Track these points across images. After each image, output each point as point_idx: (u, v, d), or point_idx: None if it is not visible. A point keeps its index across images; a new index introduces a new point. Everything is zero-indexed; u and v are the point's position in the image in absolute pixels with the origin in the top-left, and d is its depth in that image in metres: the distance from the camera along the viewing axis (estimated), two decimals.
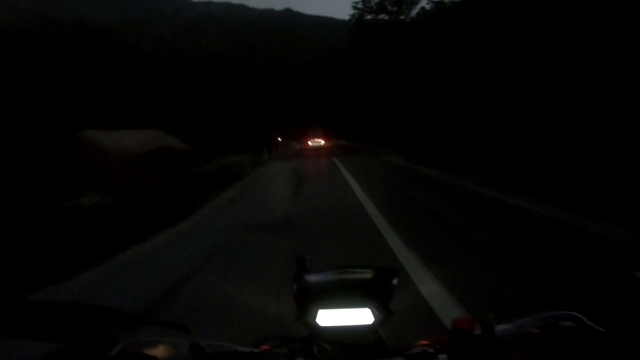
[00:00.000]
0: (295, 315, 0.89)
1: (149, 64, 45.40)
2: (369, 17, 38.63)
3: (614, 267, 3.40)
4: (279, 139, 43.94)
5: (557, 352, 0.78)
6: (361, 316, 0.86)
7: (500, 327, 0.85)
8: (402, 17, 35.03)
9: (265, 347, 0.90)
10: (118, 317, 0.76)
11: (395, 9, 35.72)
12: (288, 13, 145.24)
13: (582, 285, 3.31)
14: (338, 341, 0.86)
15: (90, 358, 0.80)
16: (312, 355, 0.85)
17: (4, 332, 0.71)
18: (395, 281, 0.91)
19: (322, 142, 41.08)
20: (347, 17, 41.67)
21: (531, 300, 3.07)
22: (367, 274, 0.91)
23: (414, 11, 35.47)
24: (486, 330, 0.82)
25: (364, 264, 0.94)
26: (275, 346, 0.89)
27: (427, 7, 33.39)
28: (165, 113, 34.23)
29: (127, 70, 36.63)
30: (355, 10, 39.21)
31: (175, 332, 0.83)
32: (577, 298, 2.99)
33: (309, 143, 41.42)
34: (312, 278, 0.92)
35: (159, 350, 0.86)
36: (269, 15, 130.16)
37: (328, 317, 0.86)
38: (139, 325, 0.87)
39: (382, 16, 37.32)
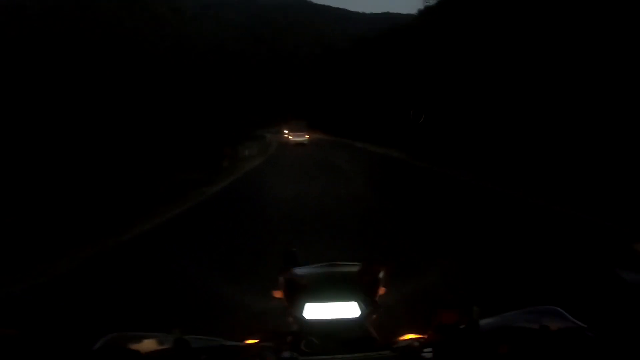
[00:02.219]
0: (283, 309, 0.94)
1: (148, 49, 43.71)
2: None
3: (601, 265, 3.65)
4: (285, 132, 38.65)
5: (540, 346, 0.81)
6: (348, 310, 0.90)
7: (484, 321, 0.88)
8: None
9: (252, 341, 0.91)
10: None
11: None
12: (301, 4, 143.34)
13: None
14: (326, 335, 0.89)
15: (74, 352, 0.81)
16: (299, 350, 0.86)
17: None
18: (381, 275, 0.96)
19: (306, 137, 34.16)
20: (361, 10, 40.22)
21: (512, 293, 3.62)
22: (354, 268, 0.96)
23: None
24: (471, 325, 0.85)
25: (351, 259, 0.99)
26: (262, 340, 0.90)
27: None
28: (158, 103, 32.45)
29: (122, 55, 34.93)
30: None
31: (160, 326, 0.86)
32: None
33: (290, 137, 34.45)
34: (300, 271, 0.98)
35: (143, 345, 0.87)
36: (281, 4, 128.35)
37: (315, 311, 0.90)
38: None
39: None
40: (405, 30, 32.74)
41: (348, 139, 36.49)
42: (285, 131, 39.25)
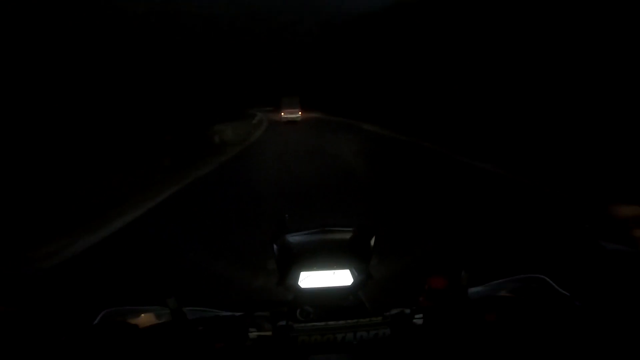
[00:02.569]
0: (277, 279, 0.95)
1: (137, 25, 41.45)
2: None
3: (585, 235, 2.70)
4: (283, 112, 35.79)
5: (526, 314, 0.84)
6: (341, 277, 0.92)
7: (472, 290, 0.91)
8: None
9: (248, 311, 0.93)
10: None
11: None
12: None
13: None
14: (320, 303, 0.91)
15: (71, 328, 0.82)
16: (294, 319, 0.89)
17: None
18: (372, 241, 0.98)
19: (299, 114, 33.69)
20: None
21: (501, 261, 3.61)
22: (347, 234, 0.99)
23: None
24: (460, 292, 0.88)
25: (344, 224, 1.00)
26: (258, 310, 0.92)
27: None
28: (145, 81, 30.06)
29: (109, 30, 32.64)
30: None
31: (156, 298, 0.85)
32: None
33: (282, 114, 33.60)
34: (293, 239, 0.98)
35: (141, 319, 0.89)
36: None
37: (310, 279, 0.92)
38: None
39: None
40: (412, 4, 30.76)
41: (353, 119, 31.54)
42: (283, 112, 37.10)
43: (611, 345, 0.79)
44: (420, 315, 0.87)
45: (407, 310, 0.88)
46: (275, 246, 0.98)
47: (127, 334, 0.82)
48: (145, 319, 0.88)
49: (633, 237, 0.84)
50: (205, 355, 0.83)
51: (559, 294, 0.88)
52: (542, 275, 0.93)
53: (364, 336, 0.84)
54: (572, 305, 0.84)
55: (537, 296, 0.87)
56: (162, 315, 0.89)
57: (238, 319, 0.88)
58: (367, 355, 0.85)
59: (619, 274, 0.82)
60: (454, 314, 0.85)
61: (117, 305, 0.92)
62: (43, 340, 0.79)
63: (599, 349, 0.79)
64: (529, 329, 0.82)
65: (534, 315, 0.83)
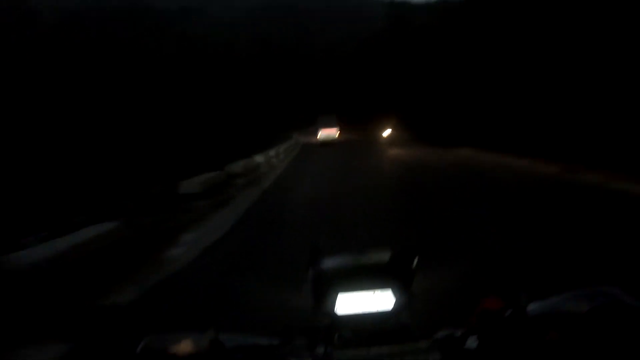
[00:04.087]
0: (312, 305, 0.92)
1: (199, 49, 44.62)
2: None
3: None
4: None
5: (594, 331, 0.73)
6: (382, 300, 0.88)
7: (531, 306, 0.82)
8: None
9: (285, 338, 0.91)
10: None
11: None
12: None
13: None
14: (359, 328, 0.87)
15: (116, 355, 0.83)
16: (333, 344, 0.85)
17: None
18: (415, 262, 0.93)
19: (336, 134, 31.54)
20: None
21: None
22: (385, 257, 0.95)
23: None
24: (517, 311, 0.79)
25: (381, 247, 0.97)
26: (295, 336, 0.89)
27: None
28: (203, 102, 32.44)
29: (173, 55, 35.73)
30: None
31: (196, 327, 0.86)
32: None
33: (319, 135, 31.79)
34: (328, 263, 0.95)
35: (180, 347, 0.90)
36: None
37: (348, 302, 0.88)
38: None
39: None
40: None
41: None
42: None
43: None
44: (474, 338, 0.79)
45: (458, 333, 0.81)
46: (310, 271, 0.96)
47: None
48: (185, 346, 0.90)
49: None
50: None
51: (633, 307, 0.76)
52: (613, 286, 0.81)
53: None
54: None
55: (606, 310, 0.74)
56: (200, 343, 0.90)
57: (275, 347, 0.87)
58: None
59: None
60: (511, 335, 0.76)
61: (158, 332, 0.94)
62: None
63: None
64: (598, 348, 0.71)
65: (603, 332, 0.71)
